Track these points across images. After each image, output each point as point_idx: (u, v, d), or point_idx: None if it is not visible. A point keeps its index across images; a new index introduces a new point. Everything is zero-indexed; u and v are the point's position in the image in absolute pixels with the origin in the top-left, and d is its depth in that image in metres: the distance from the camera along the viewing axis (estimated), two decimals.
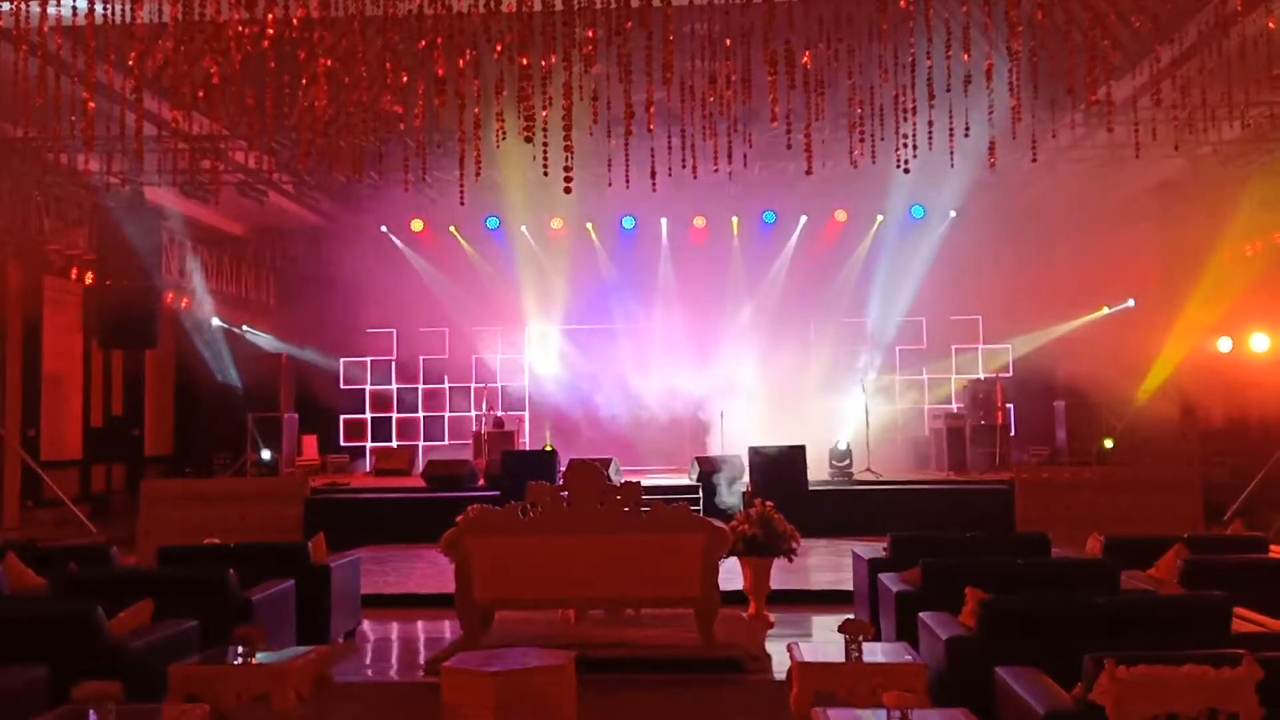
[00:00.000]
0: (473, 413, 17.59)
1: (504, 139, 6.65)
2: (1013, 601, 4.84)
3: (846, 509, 13.20)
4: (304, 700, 4.98)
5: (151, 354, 16.51)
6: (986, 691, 4.37)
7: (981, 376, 17.09)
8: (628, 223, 17.41)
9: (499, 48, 6.23)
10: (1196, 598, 4.96)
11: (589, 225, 17.21)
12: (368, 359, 18.25)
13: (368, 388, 18.35)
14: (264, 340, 17.66)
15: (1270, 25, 7.53)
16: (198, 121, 7.88)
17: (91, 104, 6.22)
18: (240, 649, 4.94)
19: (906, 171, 7.69)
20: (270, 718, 4.87)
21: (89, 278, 14.88)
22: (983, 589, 5.21)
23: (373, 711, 6.10)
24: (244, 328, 17.39)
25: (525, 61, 6.29)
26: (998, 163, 8.01)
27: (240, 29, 6.20)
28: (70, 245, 14.59)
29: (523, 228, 17.15)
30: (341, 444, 17.98)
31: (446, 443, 17.85)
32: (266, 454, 16.05)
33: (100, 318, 14.40)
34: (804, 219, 17.26)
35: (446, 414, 18.16)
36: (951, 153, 7.60)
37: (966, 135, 7.46)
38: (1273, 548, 7.60)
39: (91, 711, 3.75)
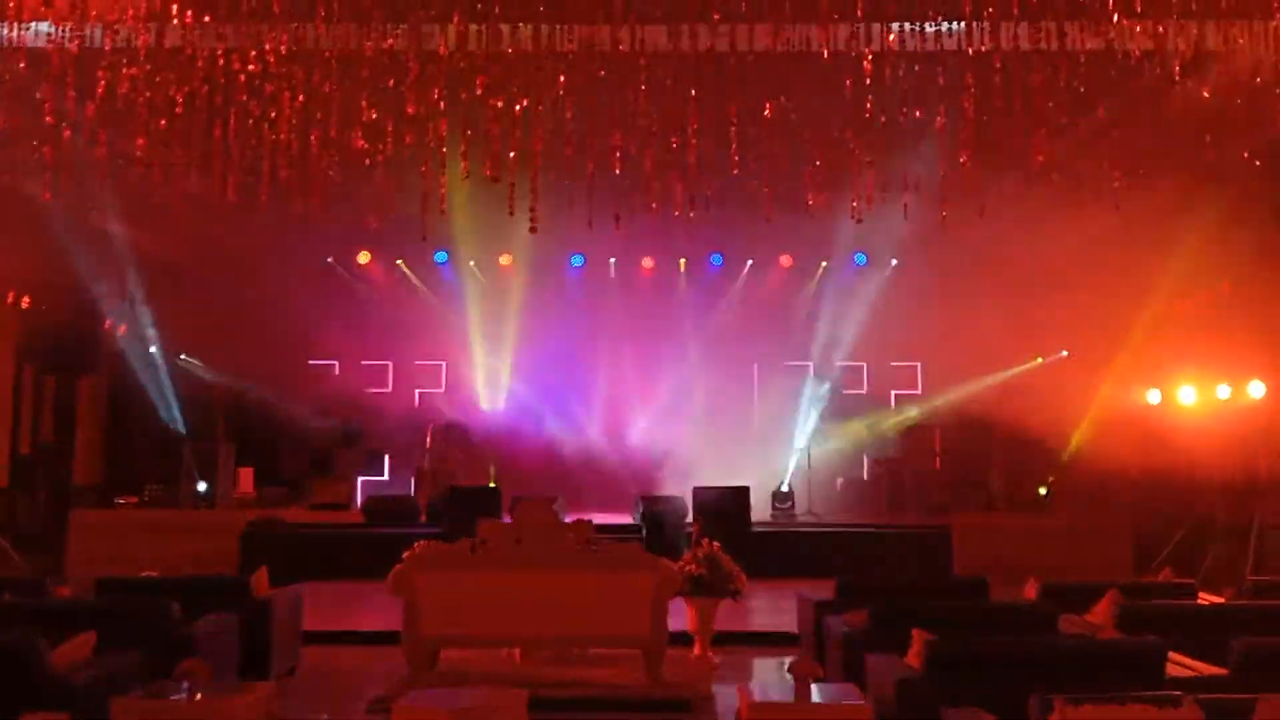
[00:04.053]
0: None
1: (467, 178, 6.73)
2: (958, 643, 4.96)
3: (788, 550, 13.33)
4: None
5: (85, 380, 16.13)
6: None
7: (920, 423, 17.41)
8: (576, 260, 17.51)
9: (469, 94, 6.33)
10: (1134, 642, 5.13)
11: (533, 260, 17.20)
12: (308, 391, 17.99)
13: (307, 420, 18.07)
14: (202, 370, 17.35)
15: (1205, 94, 7.92)
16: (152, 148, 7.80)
17: (68, 140, 6.18)
18: (185, 684, 4.85)
19: (859, 221, 7.92)
20: None
21: (25, 301, 14.54)
22: (927, 631, 5.33)
23: None
24: (182, 356, 17.08)
25: (499, 105, 6.40)
26: (935, 216, 8.31)
27: (211, 60, 6.21)
28: (5, 268, 14.24)
29: (471, 263, 17.15)
30: (279, 477, 17.65)
31: (386, 477, 17.64)
32: (202, 486, 15.72)
33: (35, 342, 14.07)
34: (749, 263, 17.51)
35: (387, 449, 17.95)
36: (905, 206, 7.85)
37: (915, 190, 7.72)
38: (1200, 594, 7.88)
39: None
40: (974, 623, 5.99)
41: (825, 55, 6.50)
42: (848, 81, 6.90)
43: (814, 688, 5.06)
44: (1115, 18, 7.36)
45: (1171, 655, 5.22)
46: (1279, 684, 4.40)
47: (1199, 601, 7.18)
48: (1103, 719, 3.46)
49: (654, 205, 7.11)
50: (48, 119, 6.45)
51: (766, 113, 6.82)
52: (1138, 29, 7.54)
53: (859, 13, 6.53)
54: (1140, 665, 4.73)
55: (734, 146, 6.68)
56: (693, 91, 6.60)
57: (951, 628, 5.55)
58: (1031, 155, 7.53)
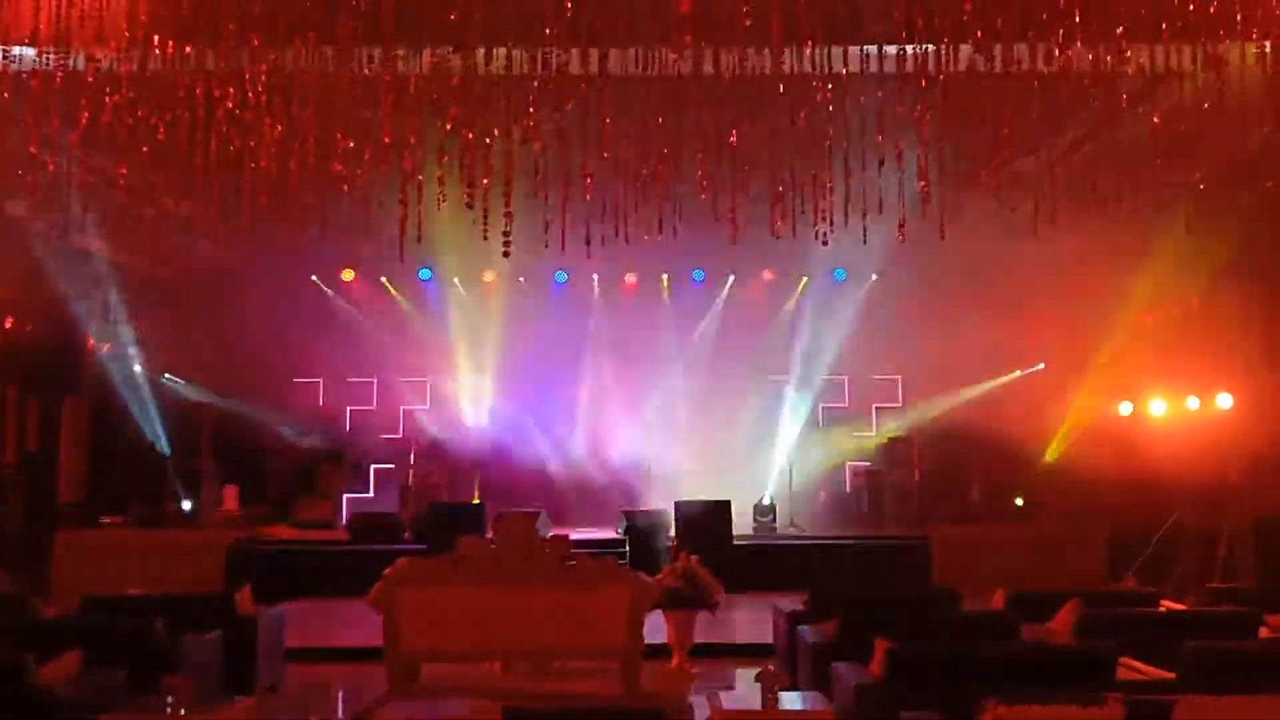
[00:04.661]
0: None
1: (444, 202, 6.92)
2: (916, 650, 5.15)
3: (770, 563, 13.52)
4: None
5: (68, 400, 16.20)
6: None
7: (900, 435, 17.63)
8: (560, 277, 17.70)
9: (448, 124, 6.54)
10: (1083, 648, 5.33)
11: (520, 279, 17.41)
12: (293, 409, 18.07)
13: (292, 438, 18.15)
14: (184, 389, 17.43)
15: (1155, 120, 8.18)
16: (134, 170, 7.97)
17: (51, 166, 6.34)
18: (170, 699, 4.99)
19: (825, 244, 8.15)
20: None
21: (8, 322, 14.62)
22: (890, 640, 5.51)
23: None
24: (166, 376, 17.16)
25: (470, 136, 6.60)
26: (914, 232, 8.56)
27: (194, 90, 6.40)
28: None
29: (455, 280, 17.32)
30: (264, 495, 17.73)
31: (371, 494, 17.74)
32: (187, 504, 15.80)
33: (17, 362, 14.16)
34: (731, 278, 17.73)
35: (372, 466, 18.05)
36: (865, 229, 8.08)
37: (880, 212, 7.97)
38: (1164, 602, 8.09)
39: None
40: (938, 631, 6.18)
41: (781, 88, 6.74)
42: (802, 113, 7.12)
43: (780, 695, 5.23)
44: (1078, 42, 7.63)
45: (1125, 660, 5.42)
46: (1223, 685, 4.59)
47: (1159, 609, 7.39)
48: (1031, 717, 3.65)
49: (618, 233, 7.32)
50: (31, 148, 6.60)
51: (732, 139, 7.04)
52: (1090, 56, 7.81)
53: (809, 42, 6.75)
54: (1092, 669, 4.93)
55: (700, 173, 6.90)
56: (659, 119, 6.83)
57: (915, 636, 5.74)
58: (993, 178, 7.78)
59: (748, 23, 6.57)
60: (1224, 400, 12.96)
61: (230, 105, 6.74)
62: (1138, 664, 5.51)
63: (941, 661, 5.01)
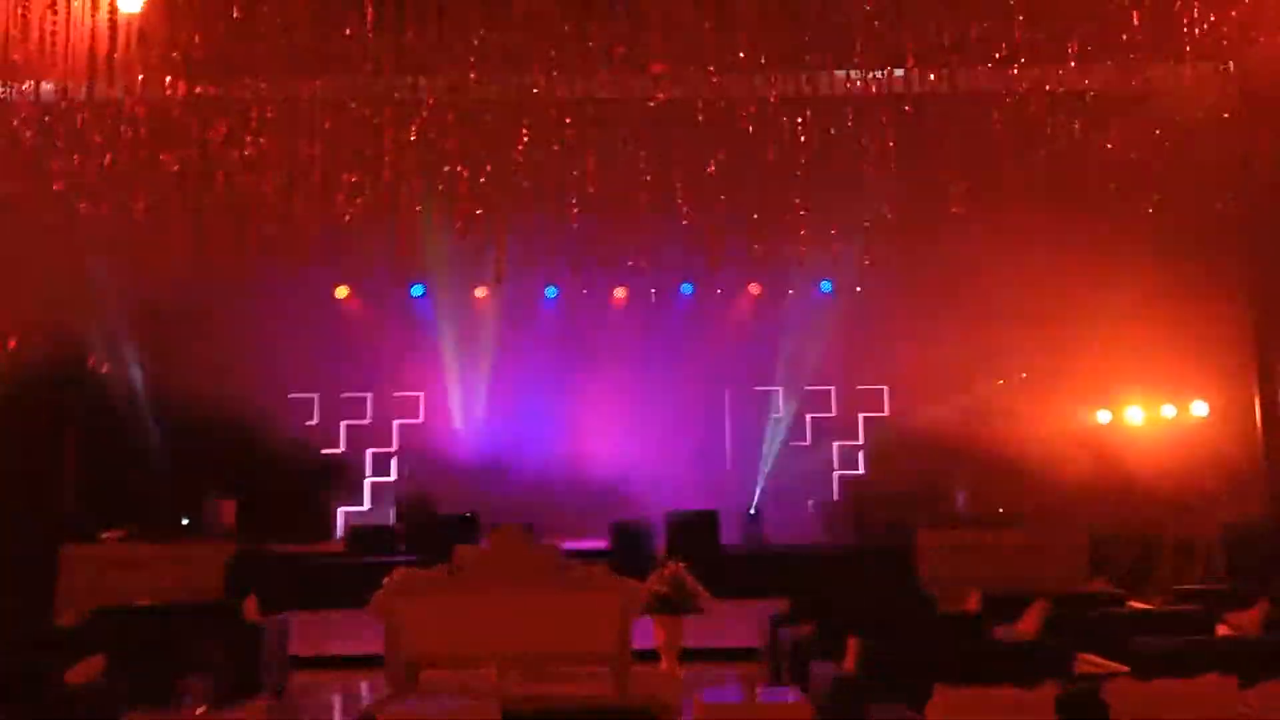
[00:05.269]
0: (394, 476, 17.84)
1: (435, 224, 7.30)
2: (885, 647, 5.49)
3: (757, 571, 13.81)
4: None
5: (70, 417, 16.45)
6: None
7: (887, 444, 17.98)
8: (550, 292, 18.03)
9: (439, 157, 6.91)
10: (1044, 643, 5.68)
11: (509, 296, 17.67)
12: (289, 424, 18.32)
13: (288, 453, 18.40)
14: (182, 406, 17.64)
15: (1109, 146, 8.59)
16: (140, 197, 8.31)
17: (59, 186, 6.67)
18: (188, 699, 5.31)
19: (801, 264, 8.55)
20: None
21: (11, 342, 14.89)
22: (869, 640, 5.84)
23: None
24: (165, 391, 17.40)
25: (465, 173, 6.98)
26: (896, 246, 8.99)
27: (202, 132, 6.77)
28: None
29: (447, 295, 17.63)
30: (261, 509, 17.97)
31: (367, 508, 18.01)
32: (185, 520, 16.06)
33: (21, 380, 14.42)
34: (719, 292, 18.07)
35: (367, 479, 18.33)
36: (833, 246, 8.48)
37: (858, 231, 8.38)
38: (1131, 602, 8.46)
39: None
40: (910, 631, 6.52)
41: (753, 110, 7.13)
42: (772, 142, 7.51)
43: (760, 690, 5.57)
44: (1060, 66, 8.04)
45: (1084, 656, 5.77)
46: (1171, 675, 4.94)
47: (1123, 609, 7.76)
48: (975, 699, 4.00)
49: (597, 261, 7.71)
50: (57, 183, 6.94)
51: (710, 169, 7.43)
52: (1060, 71, 8.20)
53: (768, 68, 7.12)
54: (1051, 663, 5.27)
55: (680, 200, 7.30)
56: (641, 152, 7.22)
57: (888, 635, 6.08)
58: (955, 199, 8.19)
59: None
60: (1199, 408, 13.32)
61: (235, 145, 7.09)
62: (1096, 658, 5.85)
63: (909, 657, 5.35)
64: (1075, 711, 4.12)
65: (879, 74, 7.64)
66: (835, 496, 17.70)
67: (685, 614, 8.76)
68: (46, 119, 7.06)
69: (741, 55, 7.09)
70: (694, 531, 13.64)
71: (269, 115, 7.07)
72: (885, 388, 18.35)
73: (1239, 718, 4.17)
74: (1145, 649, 5.48)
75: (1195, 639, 6.20)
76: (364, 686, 8.43)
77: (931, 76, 7.48)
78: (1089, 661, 5.72)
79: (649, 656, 8.82)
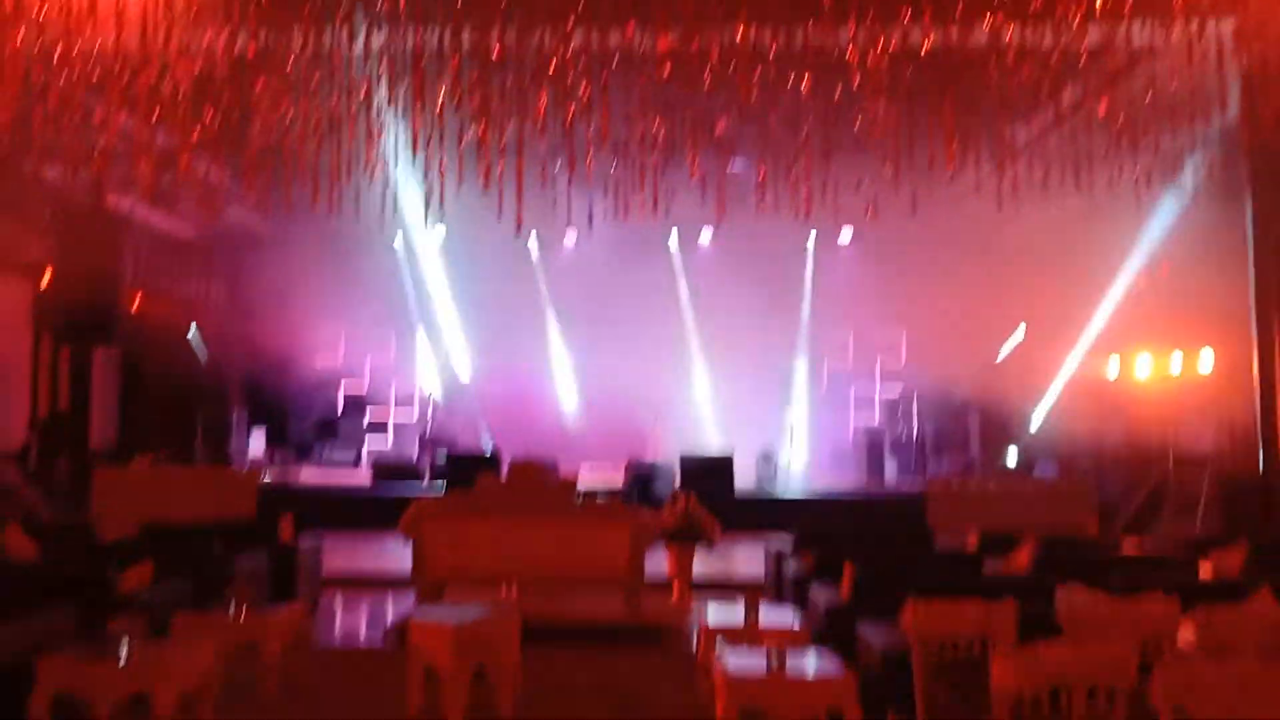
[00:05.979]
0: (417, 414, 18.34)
1: (462, 184, 7.68)
2: (875, 571, 5.89)
3: (770, 516, 14.20)
4: (286, 650, 5.85)
5: (100, 350, 16.93)
6: (852, 642, 5.41)
7: (901, 392, 18.31)
8: (570, 240, 18.27)
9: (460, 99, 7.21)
10: (1027, 577, 6.06)
11: (534, 233, 17.93)
12: (314, 362, 18.77)
13: (314, 390, 18.91)
14: (206, 348, 18.12)
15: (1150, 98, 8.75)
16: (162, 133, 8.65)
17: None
18: (233, 603, 5.79)
19: (807, 217, 8.83)
20: (259, 666, 5.74)
21: (45, 276, 15.34)
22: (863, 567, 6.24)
23: (347, 668, 6.95)
24: (193, 329, 17.89)
25: (484, 130, 7.31)
26: (914, 196, 9.24)
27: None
28: (25, 247, 15.02)
29: (468, 238, 17.92)
30: (289, 441, 18.53)
31: (390, 445, 18.51)
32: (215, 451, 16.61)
33: (52, 314, 14.90)
34: (739, 236, 18.25)
35: (391, 417, 18.79)
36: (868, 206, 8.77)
37: (858, 188, 8.65)
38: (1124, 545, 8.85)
39: (124, 637, 4.64)
40: (903, 562, 6.91)
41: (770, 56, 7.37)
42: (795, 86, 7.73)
43: (761, 612, 5.98)
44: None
45: (1065, 586, 6.14)
46: None
47: (1114, 551, 8.14)
48: (942, 611, 4.39)
49: (620, 212, 8.04)
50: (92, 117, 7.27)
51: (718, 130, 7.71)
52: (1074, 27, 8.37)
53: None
54: (1031, 591, 5.64)
55: (691, 157, 7.61)
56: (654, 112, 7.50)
57: (882, 565, 6.47)
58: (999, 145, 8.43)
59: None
60: (1207, 356, 13.51)
61: (263, 84, 7.40)
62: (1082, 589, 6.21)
63: (898, 582, 5.74)
64: (1035, 621, 4.51)
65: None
66: (849, 445, 18.04)
67: (696, 544, 9.19)
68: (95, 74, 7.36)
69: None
70: (708, 475, 13.94)
71: (303, 71, 7.39)
72: (903, 333, 18.54)
73: (1168, 633, 4.55)
74: (1122, 584, 5.84)
75: (1168, 575, 6.56)
76: (389, 601, 8.95)
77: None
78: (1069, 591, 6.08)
79: (664, 588, 9.27)
